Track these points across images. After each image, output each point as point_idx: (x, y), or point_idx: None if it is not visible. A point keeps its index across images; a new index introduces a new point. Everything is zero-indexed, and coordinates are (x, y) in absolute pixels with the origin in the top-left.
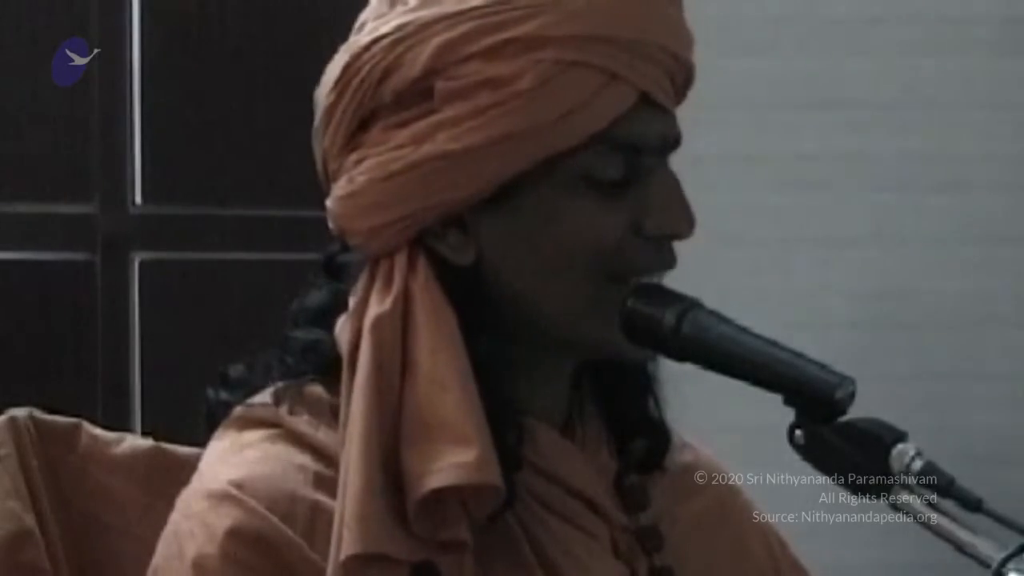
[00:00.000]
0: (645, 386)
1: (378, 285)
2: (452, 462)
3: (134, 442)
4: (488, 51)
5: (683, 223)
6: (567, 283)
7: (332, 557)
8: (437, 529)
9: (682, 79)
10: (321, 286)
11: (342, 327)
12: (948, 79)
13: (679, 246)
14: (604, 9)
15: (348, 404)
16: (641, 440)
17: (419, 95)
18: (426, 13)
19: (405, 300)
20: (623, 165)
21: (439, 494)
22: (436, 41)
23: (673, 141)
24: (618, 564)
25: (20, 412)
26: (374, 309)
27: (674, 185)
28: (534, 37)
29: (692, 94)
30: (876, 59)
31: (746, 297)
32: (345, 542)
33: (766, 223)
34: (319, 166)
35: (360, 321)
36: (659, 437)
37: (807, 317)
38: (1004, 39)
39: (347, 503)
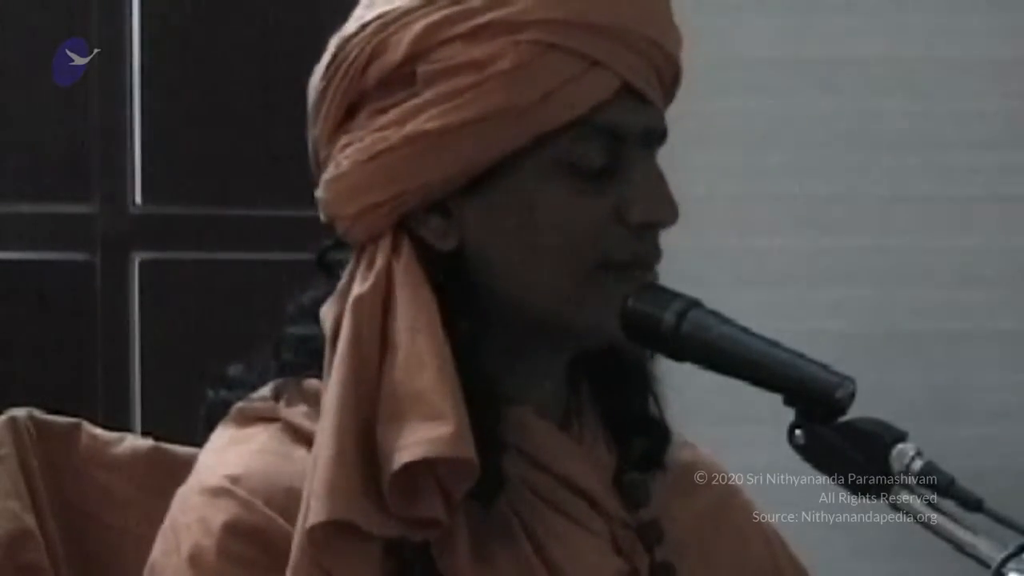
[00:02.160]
0: (644, 384)
1: (362, 268)
2: (425, 436)
3: (134, 442)
4: (469, 34)
5: (665, 212)
6: (548, 271)
7: (299, 527)
8: (411, 506)
9: (669, 75)
10: (317, 283)
11: (327, 309)
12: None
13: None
14: None
15: (328, 382)
16: (641, 438)
17: (402, 80)
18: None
19: (387, 280)
20: (605, 153)
21: (412, 469)
22: (418, 25)
23: (659, 134)
24: (618, 560)
25: (20, 412)
26: (356, 289)
27: (658, 175)
28: (514, 20)
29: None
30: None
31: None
32: (312, 510)
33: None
34: (311, 156)
35: (343, 302)
36: (659, 435)
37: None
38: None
39: (317, 473)
